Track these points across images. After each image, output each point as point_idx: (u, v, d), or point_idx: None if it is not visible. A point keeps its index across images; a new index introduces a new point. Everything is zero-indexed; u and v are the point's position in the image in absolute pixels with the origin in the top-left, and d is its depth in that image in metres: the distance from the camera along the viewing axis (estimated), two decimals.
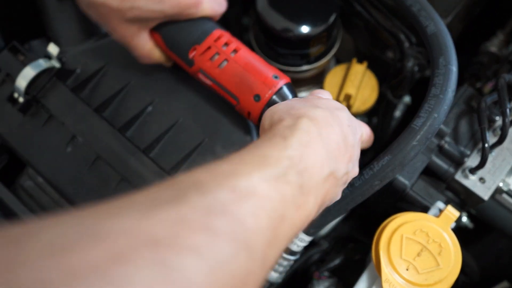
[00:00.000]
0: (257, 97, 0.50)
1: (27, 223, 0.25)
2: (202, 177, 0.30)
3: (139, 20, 0.51)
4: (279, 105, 0.44)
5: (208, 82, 0.53)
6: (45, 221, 0.25)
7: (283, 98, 0.51)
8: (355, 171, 0.45)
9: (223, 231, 0.27)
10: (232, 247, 0.27)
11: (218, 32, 0.53)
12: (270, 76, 0.51)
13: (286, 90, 0.51)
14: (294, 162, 0.35)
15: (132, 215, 0.26)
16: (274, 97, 0.50)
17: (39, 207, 0.60)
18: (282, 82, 0.51)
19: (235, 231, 0.28)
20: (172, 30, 0.52)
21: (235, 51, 0.52)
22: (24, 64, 0.57)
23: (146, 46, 0.54)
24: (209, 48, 0.52)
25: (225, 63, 0.51)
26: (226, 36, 0.53)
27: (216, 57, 0.52)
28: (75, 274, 0.22)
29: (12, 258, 0.22)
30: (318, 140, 0.38)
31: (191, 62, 0.53)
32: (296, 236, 0.36)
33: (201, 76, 0.53)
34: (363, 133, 0.48)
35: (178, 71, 0.58)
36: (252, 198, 0.31)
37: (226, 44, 0.52)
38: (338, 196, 0.44)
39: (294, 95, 0.52)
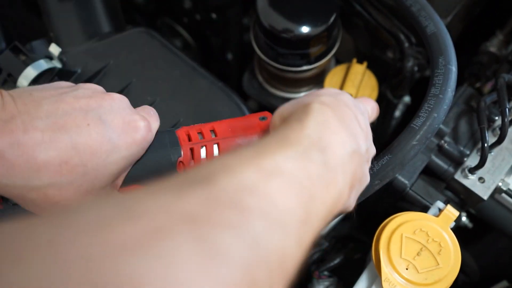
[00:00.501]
0: None
1: (67, 206, 0.25)
2: (229, 160, 0.31)
3: (102, 187, 0.42)
4: (284, 105, 0.44)
5: None
6: (84, 203, 0.26)
7: None
8: (373, 149, 0.45)
9: (254, 208, 0.28)
10: (265, 224, 0.28)
11: (181, 132, 0.47)
12: (259, 121, 0.48)
13: None
14: (313, 141, 0.36)
15: (167, 195, 0.27)
16: None
17: None
18: (270, 117, 0.48)
19: (266, 208, 0.29)
20: (145, 168, 0.45)
21: (212, 130, 0.47)
22: (25, 65, 0.57)
23: None
24: (192, 150, 0.46)
25: (215, 147, 0.46)
26: (190, 128, 0.47)
27: (204, 150, 0.46)
28: (118, 249, 0.23)
29: (56, 236, 0.23)
30: (334, 119, 0.39)
31: None
32: (332, 217, 0.36)
33: None
34: (368, 109, 0.49)
35: (179, 71, 0.58)
36: (278, 177, 0.31)
37: (200, 132, 0.47)
38: (366, 176, 0.44)
39: None
